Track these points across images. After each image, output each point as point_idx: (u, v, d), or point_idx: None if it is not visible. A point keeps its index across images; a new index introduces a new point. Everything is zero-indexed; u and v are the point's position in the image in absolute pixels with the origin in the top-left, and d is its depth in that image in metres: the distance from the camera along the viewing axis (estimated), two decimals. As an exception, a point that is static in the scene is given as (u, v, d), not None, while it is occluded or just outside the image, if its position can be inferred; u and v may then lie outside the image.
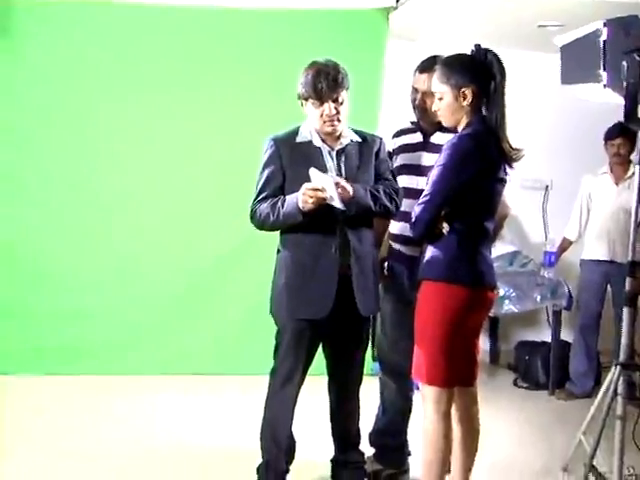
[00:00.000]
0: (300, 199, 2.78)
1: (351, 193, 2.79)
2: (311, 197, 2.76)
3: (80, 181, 4.47)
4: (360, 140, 2.98)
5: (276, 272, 2.98)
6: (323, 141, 2.93)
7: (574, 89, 3.05)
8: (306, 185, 2.77)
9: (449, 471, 2.78)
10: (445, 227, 2.64)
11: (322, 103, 2.83)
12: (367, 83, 4.43)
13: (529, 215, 5.46)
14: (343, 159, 2.93)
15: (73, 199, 4.47)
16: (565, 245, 4.83)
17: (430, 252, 2.69)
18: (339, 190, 2.76)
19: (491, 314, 4.73)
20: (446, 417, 2.67)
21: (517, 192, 5.29)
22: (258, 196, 2.93)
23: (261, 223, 2.92)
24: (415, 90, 3.15)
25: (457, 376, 2.68)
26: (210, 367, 4.51)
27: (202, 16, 4.47)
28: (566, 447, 3.27)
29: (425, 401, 2.69)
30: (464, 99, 2.62)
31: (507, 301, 4.56)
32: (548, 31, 4.51)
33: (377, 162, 2.99)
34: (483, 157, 2.58)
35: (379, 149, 3.01)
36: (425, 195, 2.61)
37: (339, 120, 2.87)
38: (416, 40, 4.94)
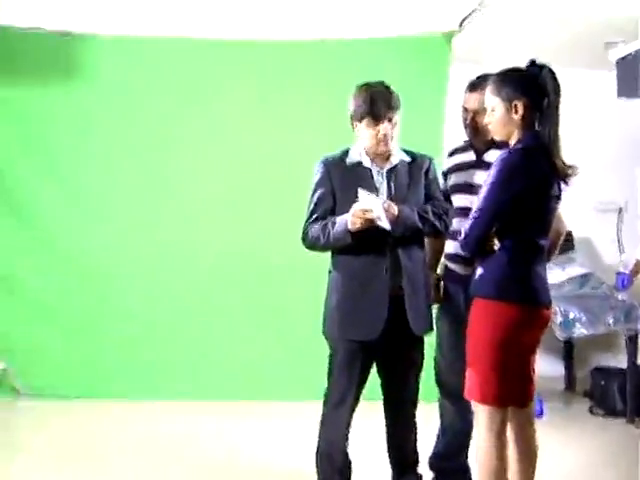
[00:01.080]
0: (349, 220, 2.82)
1: (396, 213, 2.82)
2: (359, 218, 2.79)
3: (154, 199, 4.66)
4: (409, 160, 3.00)
5: (328, 293, 3.02)
6: (373, 162, 2.96)
7: (631, 103, 3.00)
8: (354, 206, 2.81)
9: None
10: (496, 244, 2.61)
11: (378, 123, 2.88)
12: (431, 108, 4.48)
13: (602, 237, 5.37)
14: (393, 179, 2.95)
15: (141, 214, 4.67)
16: (639, 267, 4.70)
17: (481, 269, 2.66)
18: (388, 211, 2.78)
19: (562, 338, 4.66)
20: (499, 438, 2.61)
21: (590, 214, 5.26)
22: (310, 218, 2.98)
23: (312, 244, 2.97)
24: (465, 110, 3.16)
25: (511, 396, 2.62)
26: (260, 393, 4.55)
27: (266, 49, 4.60)
28: None
29: (478, 421, 2.65)
30: (516, 112, 2.61)
31: (578, 324, 4.46)
32: (603, 48, 4.43)
33: (427, 182, 3.01)
34: (533, 172, 2.55)
35: (428, 168, 3.03)
36: (475, 211, 2.60)
37: (392, 140, 2.92)
38: (480, 63, 4.82)
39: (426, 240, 3.16)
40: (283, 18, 4.36)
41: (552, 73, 2.61)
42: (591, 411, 4.77)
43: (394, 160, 2.97)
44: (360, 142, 2.98)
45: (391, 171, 2.96)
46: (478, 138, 3.12)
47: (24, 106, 4.56)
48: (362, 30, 4.51)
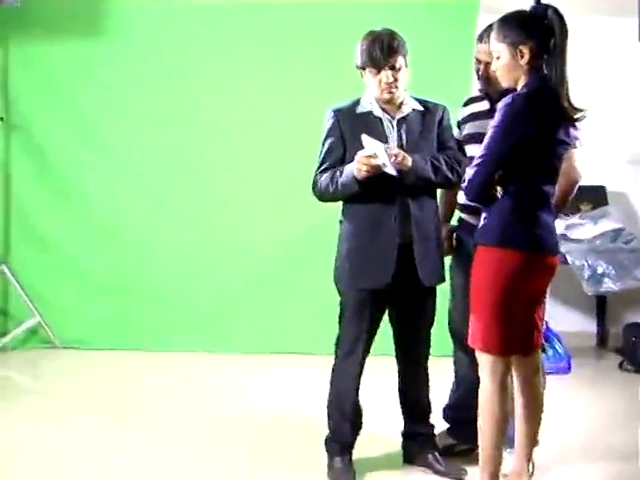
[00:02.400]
0: (355, 168, 2.82)
1: (408, 164, 2.81)
2: (365, 164, 2.79)
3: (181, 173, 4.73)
4: (422, 109, 2.99)
5: (339, 243, 3.03)
6: (384, 110, 2.95)
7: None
8: (359, 153, 2.81)
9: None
10: (499, 190, 2.59)
11: (379, 71, 2.87)
12: (458, 59, 4.41)
13: (636, 191, 5.23)
14: (404, 128, 2.95)
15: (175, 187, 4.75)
16: None
17: (484, 216, 2.65)
18: (397, 159, 2.77)
19: (590, 293, 4.61)
20: (502, 385, 2.62)
21: (624, 167, 5.14)
22: (320, 167, 2.99)
23: (321, 194, 2.98)
24: (478, 61, 3.13)
25: (514, 344, 2.62)
26: (290, 346, 4.61)
27: (277, 10, 4.61)
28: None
29: (481, 370, 2.65)
30: (522, 57, 2.56)
31: (606, 279, 4.45)
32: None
33: (440, 130, 3.00)
34: (538, 116, 2.52)
35: (442, 117, 3.01)
36: (478, 157, 2.58)
37: (397, 87, 2.90)
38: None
39: (439, 191, 3.17)
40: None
41: (558, 13, 2.55)
42: (621, 367, 4.72)
43: (405, 109, 2.96)
44: (369, 91, 2.97)
45: (402, 120, 2.95)
46: (492, 88, 3.09)
47: (48, 61, 4.65)
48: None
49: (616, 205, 5.03)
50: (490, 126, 2.59)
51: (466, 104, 3.26)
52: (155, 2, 4.68)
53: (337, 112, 2.98)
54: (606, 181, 5.04)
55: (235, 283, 4.69)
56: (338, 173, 2.91)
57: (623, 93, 5.06)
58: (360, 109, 2.96)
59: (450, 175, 2.93)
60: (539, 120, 2.52)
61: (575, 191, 3.08)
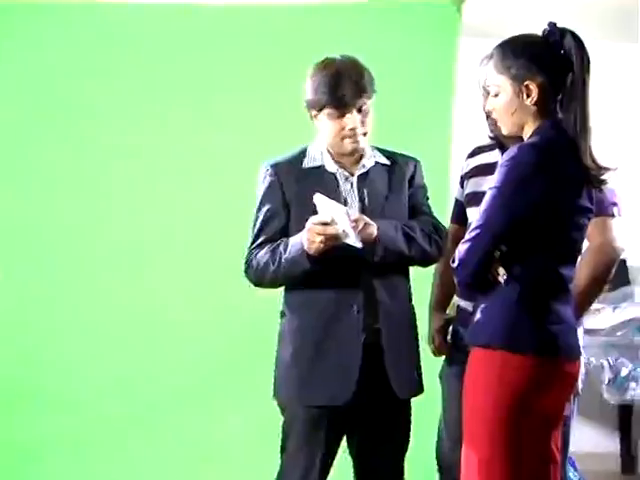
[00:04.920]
0: (305, 238, 2.80)
1: (374, 233, 2.81)
2: (319, 234, 2.77)
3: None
4: (388, 163, 3.02)
5: (280, 343, 3.03)
6: (339, 165, 2.97)
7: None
8: (312, 219, 2.79)
9: None
10: (501, 273, 2.60)
11: (344, 113, 2.88)
12: (436, 92, 4.47)
13: None
14: (367, 187, 2.97)
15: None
16: None
17: (481, 308, 2.65)
18: (357, 227, 2.77)
19: (614, 401, 4.63)
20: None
21: None
22: (255, 241, 3.00)
23: (258, 276, 2.98)
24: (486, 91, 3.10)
25: (524, 486, 2.59)
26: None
27: (223, 14, 4.53)
28: None
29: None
30: (528, 96, 2.59)
31: (634, 384, 4.48)
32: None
33: (411, 191, 3.04)
34: (554, 175, 2.54)
35: (414, 174, 3.06)
36: (473, 229, 2.59)
37: (364, 135, 2.93)
38: (492, 36, 4.86)
39: (435, 270, 3.31)
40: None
41: (578, 40, 2.60)
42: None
43: (367, 162, 2.99)
44: (320, 139, 2.99)
45: (363, 177, 2.98)
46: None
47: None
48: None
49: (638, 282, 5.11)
50: (488, 187, 2.60)
51: (472, 154, 3.32)
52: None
53: (276, 168, 2.99)
54: (628, 254, 5.09)
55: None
56: (282, 247, 2.91)
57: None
58: (308, 162, 2.99)
59: (428, 247, 2.96)
60: (555, 180, 2.54)
61: (612, 274, 3.10)
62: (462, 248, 2.59)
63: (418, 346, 3.07)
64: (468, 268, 2.58)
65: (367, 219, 2.81)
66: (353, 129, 2.88)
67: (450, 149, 4.34)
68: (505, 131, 2.70)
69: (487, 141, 3.25)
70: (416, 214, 3.02)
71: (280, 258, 2.89)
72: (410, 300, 3.05)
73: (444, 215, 3.39)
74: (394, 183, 3.00)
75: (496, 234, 2.55)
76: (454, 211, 3.39)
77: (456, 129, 4.44)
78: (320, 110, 2.92)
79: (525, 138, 2.63)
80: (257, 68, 4.34)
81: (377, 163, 3.00)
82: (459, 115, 4.51)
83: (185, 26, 4.52)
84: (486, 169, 3.15)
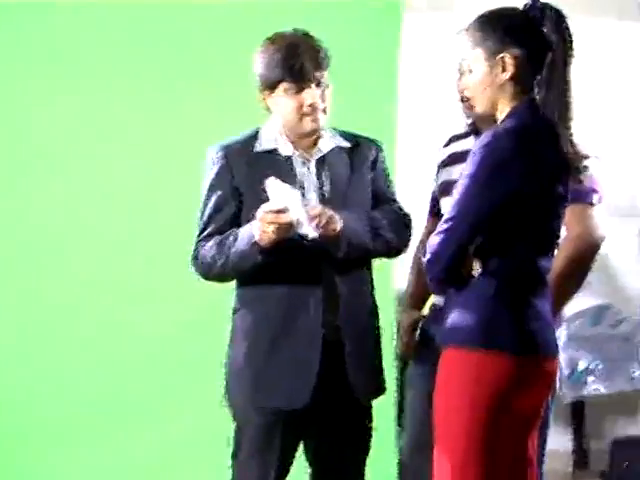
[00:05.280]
0: (256, 228, 2.74)
1: (338, 228, 2.76)
2: (272, 223, 2.70)
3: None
4: (348, 145, 2.98)
5: (231, 342, 2.98)
6: (294, 148, 2.92)
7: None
8: (263, 207, 2.72)
9: None
10: (476, 267, 2.58)
11: (302, 88, 2.83)
12: (378, 76, 4.44)
13: (623, 254, 5.34)
14: (326, 173, 2.92)
15: None
16: None
17: (455, 305, 2.62)
18: (319, 222, 2.72)
19: (570, 397, 4.65)
20: None
21: (608, 222, 5.24)
22: (202, 232, 2.93)
23: (206, 270, 2.92)
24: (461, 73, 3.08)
25: (499, 490, 2.58)
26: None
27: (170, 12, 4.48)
28: None
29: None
30: (503, 70, 2.55)
31: (592, 377, 4.53)
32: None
33: (374, 176, 3.00)
34: (532, 162, 2.51)
35: (376, 158, 3.02)
36: (445, 221, 2.56)
37: (324, 113, 2.89)
38: (451, 9, 5.01)
39: (411, 262, 3.29)
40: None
41: (560, 16, 2.58)
42: (610, 499, 4.83)
43: (325, 145, 2.93)
44: (274, 120, 2.93)
45: (322, 161, 2.93)
46: (480, 117, 3.03)
47: None
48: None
49: (599, 273, 5.07)
50: (461, 176, 2.57)
51: (448, 143, 3.29)
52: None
53: (225, 151, 2.92)
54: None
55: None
56: (230, 239, 2.84)
57: (606, 121, 5.18)
58: (260, 146, 2.93)
59: (393, 239, 2.94)
60: (533, 168, 2.51)
61: (591, 266, 3.09)
62: (433, 241, 2.56)
63: (380, 345, 3.05)
64: (440, 263, 2.55)
65: (330, 212, 2.76)
66: (313, 105, 2.83)
67: (395, 133, 4.34)
68: (479, 109, 2.65)
69: (460, 130, 3.25)
70: (380, 202, 2.99)
71: (229, 250, 2.84)
72: (372, 295, 3.02)
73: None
74: (355, 167, 2.96)
75: (471, 225, 2.52)
76: (431, 205, 3.35)
77: (402, 114, 4.46)
78: (274, 87, 2.86)
79: (499, 118, 2.60)
80: (201, 61, 4.30)
81: (336, 146, 2.95)
82: (405, 98, 4.54)
83: (126, 21, 4.46)
84: (460, 157, 3.09)
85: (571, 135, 2.55)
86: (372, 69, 4.39)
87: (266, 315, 2.88)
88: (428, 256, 2.57)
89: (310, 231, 2.70)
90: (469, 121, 3.15)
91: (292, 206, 2.68)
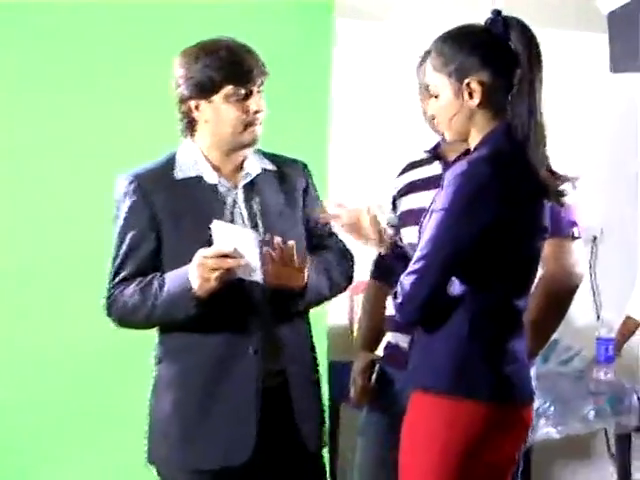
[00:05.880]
0: (194, 275, 2.64)
1: (305, 280, 2.74)
2: (214, 270, 2.61)
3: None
4: (274, 168, 2.92)
5: (155, 395, 2.88)
6: (219, 173, 2.85)
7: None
8: (202, 252, 2.63)
9: None
10: None
11: (247, 94, 2.75)
12: (309, 87, 4.49)
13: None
14: (256, 201, 2.85)
15: None
16: (630, 327, 4.77)
17: (424, 345, 2.60)
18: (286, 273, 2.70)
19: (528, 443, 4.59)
20: None
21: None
22: (118, 273, 2.81)
23: (126, 319, 2.82)
24: (422, 90, 3.10)
25: None
26: None
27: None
28: None
29: None
30: (470, 97, 2.54)
31: (543, 420, 4.39)
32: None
33: (307, 204, 2.96)
34: (509, 192, 2.49)
35: (307, 183, 2.98)
36: (418, 259, 2.52)
37: (261, 125, 2.82)
38: (384, 19, 4.95)
39: (363, 302, 3.35)
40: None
41: (526, 30, 2.55)
42: None
43: (252, 168, 2.86)
44: (191, 144, 2.84)
45: (250, 188, 2.85)
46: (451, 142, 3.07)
47: None
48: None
49: None
50: (432, 208, 2.55)
51: (404, 171, 3.29)
52: None
53: (139, 181, 2.79)
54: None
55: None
56: (155, 286, 2.74)
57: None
58: (181, 173, 2.82)
59: (344, 281, 2.97)
60: (509, 197, 2.49)
61: (569, 305, 3.12)
62: (407, 281, 2.52)
63: (321, 390, 3.03)
64: (414, 303, 2.52)
65: (299, 259, 2.71)
66: (258, 112, 2.76)
67: (327, 146, 4.43)
68: (449, 137, 2.66)
69: (421, 156, 3.26)
70: (318, 236, 2.95)
71: (154, 299, 2.73)
72: (311, 337, 2.99)
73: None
74: (288, 195, 2.90)
75: (446, 263, 2.50)
76: (376, 265, 3.30)
77: (335, 124, 4.52)
78: (213, 93, 2.74)
79: (472, 145, 2.60)
80: (111, 67, 4.24)
81: (263, 169, 2.88)
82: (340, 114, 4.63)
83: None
84: (423, 184, 3.16)
85: (546, 157, 2.53)
86: (305, 76, 4.41)
87: (197, 365, 2.78)
88: (400, 298, 2.53)
89: (260, 278, 2.64)
90: (429, 148, 3.19)
91: (243, 249, 2.61)
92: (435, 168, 3.14)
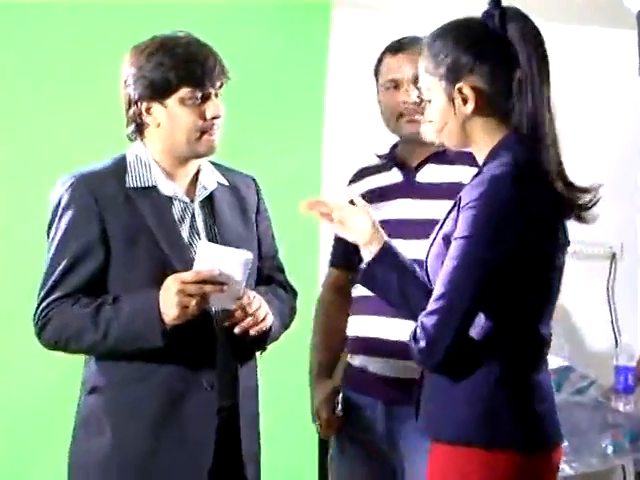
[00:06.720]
0: (170, 303, 2.48)
1: (268, 322, 2.68)
2: (192, 295, 2.47)
3: None
4: (226, 183, 2.83)
5: (86, 431, 2.68)
6: (175, 183, 2.72)
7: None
8: (180, 276, 2.49)
9: None
10: None
11: (205, 98, 2.63)
12: (305, 81, 4.50)
13: (587, 302, 5.19)
14: (213, 218, 2.75)
15: None
16: None
17: (443, 392, 2.43)
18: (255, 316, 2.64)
19: None
20: None
21: (570, 265, 5.06)
22: (54, 289, 2.61)
23: (63, 342, 2.62)
24: (387, 86, 3.08)
25: None
26: None
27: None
28: None
29: None
30: (464, 102, 2.40)
31: None
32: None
33: (259, 223, 2.90)
34: (533, 211, 2.36)
35: (258, 200, 2.93)
36: (438, 297, 2.36)
37: (218, 132, 2.72)
38: (383, 9, 4.91)
39: (317, 330, 3.28)
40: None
41: (527, 22, 2.42)
42: None
43: (208, 182, 2.76)
44: (142, 148, 2.70)
45: (206, 203, 2.75)
46: (409, 141, 3.04)
47: None
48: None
49: (556, 329, 4.93)
50: (448, 234, 2.41)
51: (357, 178, 3.24)
52: None
53: (88, 184, 2.62)
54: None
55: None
56: (109, 311, 2.56)
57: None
58: (133, 181, 2.66)
59: (290, 322, 2.92)
60: (534, 215, 2.36)
61: None
62: (428, 323, 2.37)
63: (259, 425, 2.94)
64: (440, 350, 2.36)
65: (266, 307, 2.67)
66: (216, 118, 2.63)
67: (322, 142, 4.46)
68: (448, 143, 2.53)
69: (373, 162, 3.23)
70: (270, 267, 2.89)
71: (107, 327, 2.54)
72: (256, 371, 2.91)
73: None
74: (244, 215, 2.82)
75: (472, 299, 2.34)
76: (334, 252, 3.28)
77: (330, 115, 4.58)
78: (167, 95, 2.59)
79: (478, 157, 2.48)
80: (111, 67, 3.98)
81: (219, 184, 2.78)
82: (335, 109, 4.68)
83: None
84: (381, 193, 3.10)
85: (561, 167, 2.40)
86: (300, 75, 4.46)
87: (144, 398, 2.61)
88: (423, 341, 2.37)
89: (231, 303, 2.57)
90: (383, 153, 3.18)
91: (230, 273, 2.50)
92: (394, 176, 3.08)
